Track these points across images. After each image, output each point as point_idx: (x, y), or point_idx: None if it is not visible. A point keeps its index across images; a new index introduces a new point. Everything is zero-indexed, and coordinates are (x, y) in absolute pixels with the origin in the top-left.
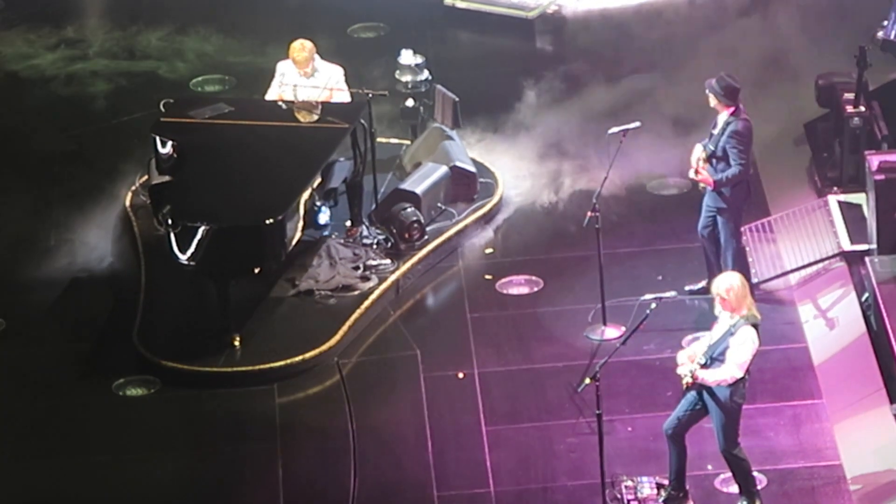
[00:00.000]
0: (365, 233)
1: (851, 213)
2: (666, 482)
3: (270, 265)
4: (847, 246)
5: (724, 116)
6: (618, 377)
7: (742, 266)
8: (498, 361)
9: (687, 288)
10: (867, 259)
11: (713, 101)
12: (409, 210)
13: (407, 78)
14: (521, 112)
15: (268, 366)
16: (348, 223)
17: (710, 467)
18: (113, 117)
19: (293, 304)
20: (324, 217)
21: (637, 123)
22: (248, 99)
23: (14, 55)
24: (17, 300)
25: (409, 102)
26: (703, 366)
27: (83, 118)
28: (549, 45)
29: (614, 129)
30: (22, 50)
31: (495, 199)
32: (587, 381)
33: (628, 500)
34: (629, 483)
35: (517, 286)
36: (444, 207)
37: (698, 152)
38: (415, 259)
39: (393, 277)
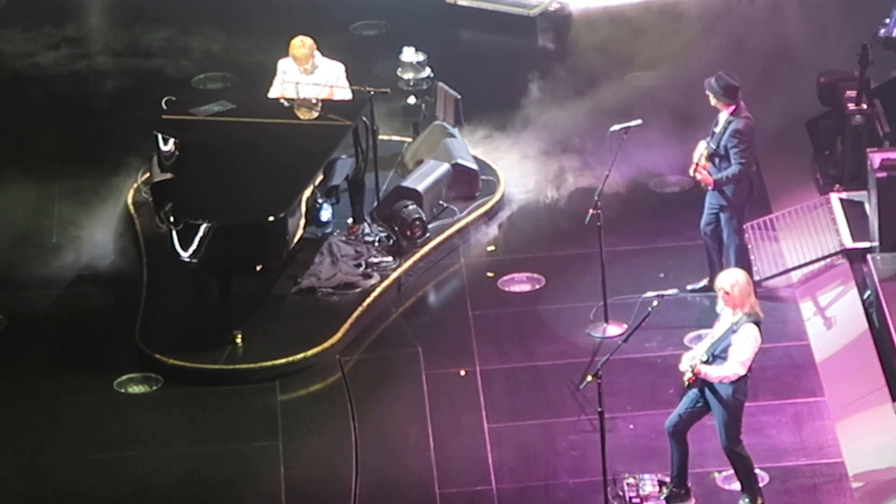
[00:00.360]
0: (367, 230)
1: (853, 211)
2: (668, 479)
3: (272, 263)
4: (849, 243)
5: (725, 115)
6: (619, 375)
7: (744, 264)
8: (499, 359)
9: (689, 287)
10: (869, 256)
11: (713, 101)
12: (410, 207)
13: (409, 75)
14: (522, 110)
15: (269, 363)
16: (350, 220)
17: (714, 474)
18: (115, 115)
19: (295, 302)
20: (325, 214)
21: (639, 121)
22: (250, 97)
23: (17, 53)
24: (19, 297)
25: (411, 100)
26: (705, 362)
27: (85, 116)
28: (550, 42)
29: (616, 127)
30: (25, 48)
31: (497, 197)
32: (589, 378)
33: (630, 498)
34: (631, 480)
35: (519, 284)
36: (445, 205)
37: (701, 149)
38: (416, 256)
39: (395, 275)
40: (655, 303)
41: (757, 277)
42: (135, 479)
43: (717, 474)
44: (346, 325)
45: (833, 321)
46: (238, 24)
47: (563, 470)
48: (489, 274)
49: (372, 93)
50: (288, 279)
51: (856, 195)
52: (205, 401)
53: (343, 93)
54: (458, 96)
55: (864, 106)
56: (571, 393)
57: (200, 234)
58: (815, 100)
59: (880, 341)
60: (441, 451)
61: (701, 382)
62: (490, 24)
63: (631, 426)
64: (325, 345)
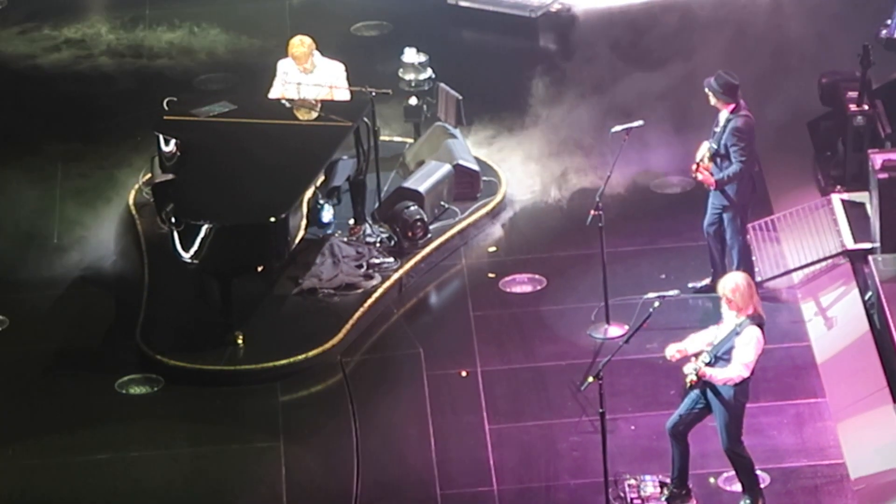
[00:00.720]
0: (368, 231)
1: (855, 212)
2: (669, 481)
3: (273, 263)
4: (850, 244)
5: (724, 114)
6: (621, 376)
7: (747, 264)
8: (501, 360)
9: (690, 286)
10: (870, 258)
11: (713, 100)
12: (412, 208)
13: (410, 76)
14: (523, 110)
15: (271, 364)
16: (351, 221)
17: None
18: (116, 115)
19: (296, 303)
20: (327, 215)
21: (640, 122)
22: (251, 97)
23: (19, 54)
24: (20, 298)
25: (413, 101)
26: (708, 364)
27: (87, 116)
28: (552, 43)
29: (617, 128)
30: (27, 48)
31: (498, 198)
32: (590, 379)
33: (631, 499)
34: (632, 481)
35: (520, 284)
36: (447, 206)
37: (704, 150)
38: (418, 257)
39: (396, 276)
40: (657, 304)
41: (758, 278)
42: (135, 479)
43: (713, 480)
44: (348, 326)
45: (834, 322)
46: (239, 25)
47: (565, 471)
48: (490, 275)
49: (373, 94)
50: (289, 280)
51: (857, 196)
52: (206, 402)
53: (342, 93)
54: (460, 97)
55: (866, 107)
56: (573, 394)
57: (202, 234)
58: (816, 100)
59: (881, 342)
60: (442, 452)
61: (702, 384)
62: (491, 24)
63: (632, 427)
64: (327, 345)
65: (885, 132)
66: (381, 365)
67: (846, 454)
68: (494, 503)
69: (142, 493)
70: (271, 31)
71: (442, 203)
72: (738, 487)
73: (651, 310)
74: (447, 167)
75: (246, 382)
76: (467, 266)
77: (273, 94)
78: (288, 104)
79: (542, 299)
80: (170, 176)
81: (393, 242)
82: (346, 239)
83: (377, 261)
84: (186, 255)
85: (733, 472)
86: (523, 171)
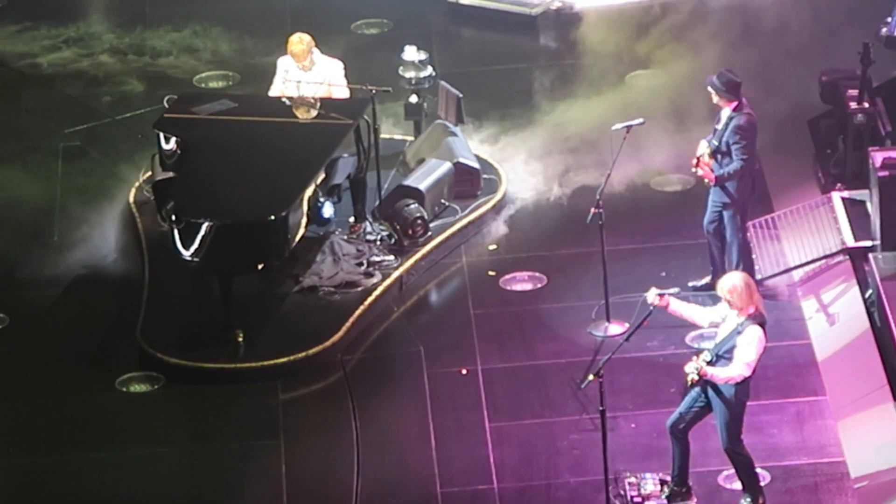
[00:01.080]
0: (368, 229)
1: (855, 210)
2: (669, 479)
3: (274, 261)
4: (851, 242)
5: (727, 111)
6: (621, 374)
7: (747, 261)
8: (501, 358)
9: (690, 284)
10: (871, 255)
11: (715, 98)
12: (412, 206)
13: (410, 74)
14: (524, 108)
15: (271, 362)
16: (352, 219)
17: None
18: (117, 114)
19: (296, 301)
20: (327, 213)
21: (640, 120)
22: (251, 95)
23: (19, 53)
24: (20, 296)
25: (413, 99)
26: (709, 363)
27: (88, 115)
28: (552, 41)
29: (618, 126)
30: (28, 47)
31: (499, 196)
32: (590, 377)
33: (631, 497)
34: (632, 479)
35: (520, 283)
36: (447, 204)
37: (703, 148)
38: (418, 255)
39: (396, 274)
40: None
41: (758, 276)
42: (136, 477)
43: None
44: (348, 324)
45: (834, 320)
46: (239, 23)
47: (565, 469)
48: (491, 273)
49: (374, 91)
50: (290, 278)
51: (857, 194)
52: (206, 399)
53: (341, 91)
54: (460, 95)
55: (866, 105)
56: (573, 392)
57: (202, 232)
58: (816, 98)
59: (882, 340)
60: (442, 450)
61: (703, 382)
62: (491, 22)
63: (632, 425)
64: (327, 343)
65: (886, 130)
66: (382, 363)
67: (846, 452)
68: (495, 501)
69: (142, 492)
70: (271, 28)
71: (442, 201)
72: (738, 486)
73: (651, 308)
74: (447, 165)
75: (246, 380)
76: (468, 264)
77: (273, 92)
78: (288, 102)
79: (542, 297)
80: (170, 174)
81: (393, 240)
82: (346, 237)
83: (377, 259)
84: (187, 254)
85: (733, 471)
86: (524, 169)
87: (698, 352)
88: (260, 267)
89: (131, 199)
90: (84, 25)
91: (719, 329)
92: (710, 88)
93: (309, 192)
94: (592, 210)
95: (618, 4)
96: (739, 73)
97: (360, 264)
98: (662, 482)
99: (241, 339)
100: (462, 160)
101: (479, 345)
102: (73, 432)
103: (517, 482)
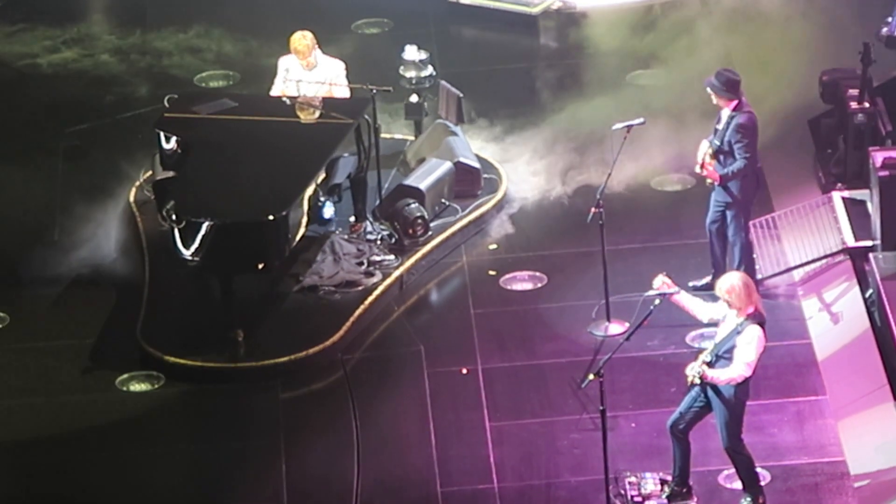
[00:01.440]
0: (369, 228)
1: (855, 210)
2: (669, 478)
3: (274, 261)
4: (851, 242)
5: (727, 111)
6: (621, 373)
7: (748, 261)
8: (501, 357)
9: (691, 284)
10: (871, 255)
11: (715, 98)
12: (412, 206)
13: (411, 74)
14: (524, 108)
15: (271, 362)
16: (352, 219)
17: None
18: (117, 113)
19: (297, 300)
20: (328, 213)
21: (641, 119)
22: (252, 95)
23: (20, 52)
24: (21, 295)
25: (413, 98)
26: (709, 364)
27: (88, 114)
28: (552, 40)
29: (618, 126)
30: (28, 47)
31: (499, 195)
32: (591, 377)
33: (632, 497)
34: (633, 479)
35: (521, 282)
36: (447, 203)
37: (704, 148)
38: (418, 255)
39: (397, 273)
40: (657, 301)
41: (759, 276)
42: (136, 477)
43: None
44: (348, 324)
45: (835, 320)
46: (240, 23)
47: (565, 468)
48: (491, 272)
49: (374, 91)
50: (290, 277)
51: (858, 194)
52: (207, 399)
53: (342, 91)
54: (461, 94)
55: (867, 104)
56: (573, 391)
57: (202, 232)
58: (817, 98)
59: (882, 340)
60: (443, 450)
61: (703, 382)
62: (492, 22)
63: (633, 425)
64: (327, 343)
65: (886, 130)
66: (382, 362)
67: (846, 452)
68: (495, 501)
69: (142, 491)
70: (272, 28)
71: (443, 200)
72: (738, 485)
73: (652, 307)
74: (448, 165)
75: (247, 380)
76: (468, 263)
77: (274, 91)
78: (289, 102)
79: (542, 297)
80: (171, 173)
81: (394, 240)
82: (346, 236)
83: (378, 258)
84: (187, 253)
85: (734, 470)
86: (524, 169)
87: (699, 352)
88: (260, 266)
89: (132, 199)
90: (86, 25)
91: (719, 329)
92: (709, 89)
93: (309, 191)
94: (593, 210)
95: (618, 4)
96: (740, 73)
97: (361, 264)
98: (663, 482)
99: (241, 339)
100: (462, 160)
101: (480, 344)
102: (73, 431)
103: (517, 481)
